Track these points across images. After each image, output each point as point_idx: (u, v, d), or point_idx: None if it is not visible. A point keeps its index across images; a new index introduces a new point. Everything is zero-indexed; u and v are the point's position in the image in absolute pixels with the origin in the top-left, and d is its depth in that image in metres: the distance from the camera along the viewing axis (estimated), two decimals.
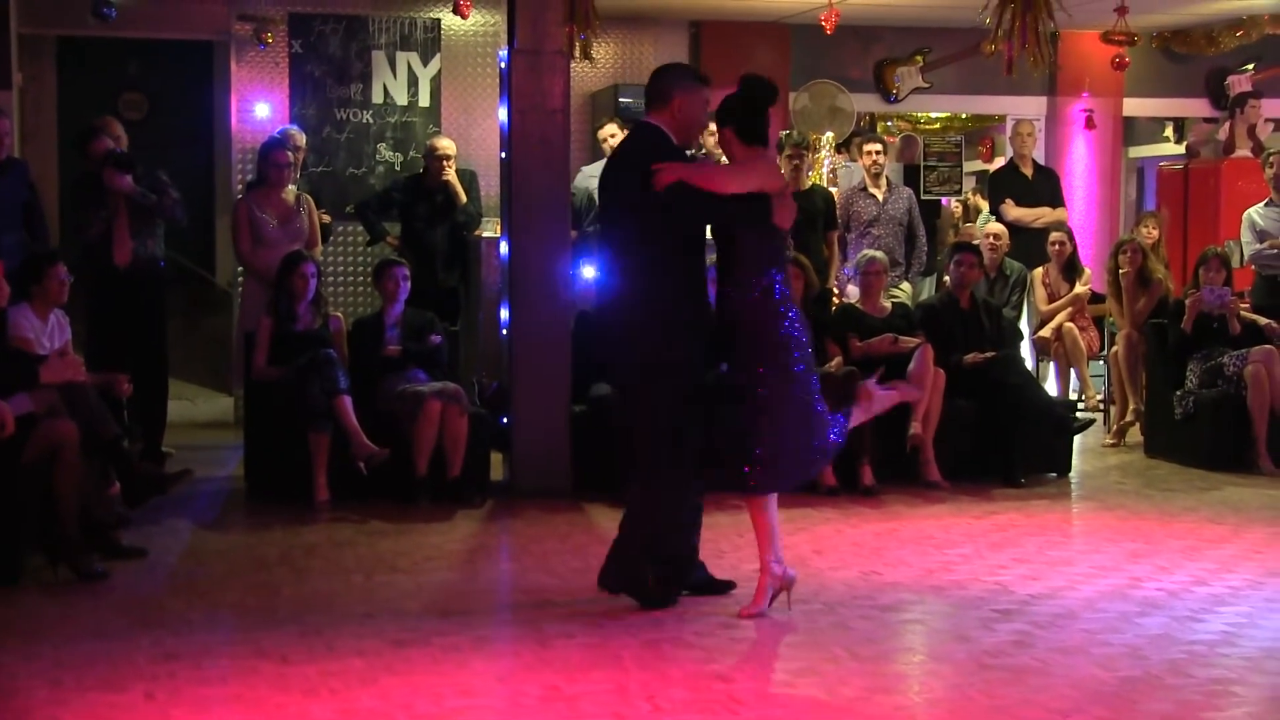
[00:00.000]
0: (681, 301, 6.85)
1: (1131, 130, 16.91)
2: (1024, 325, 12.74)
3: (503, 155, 10.26)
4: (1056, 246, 12.92)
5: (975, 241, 12.54)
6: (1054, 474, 10.75)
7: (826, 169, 13.35)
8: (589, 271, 11.43)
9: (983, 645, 6.43)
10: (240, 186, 12.48)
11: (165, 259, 10.93)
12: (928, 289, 13.45)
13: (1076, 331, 12.70)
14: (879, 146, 13.06)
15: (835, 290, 12.04)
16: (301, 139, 12.28)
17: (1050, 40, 11.37)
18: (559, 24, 10.20)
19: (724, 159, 7.19)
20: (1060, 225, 13.32)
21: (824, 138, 13.30)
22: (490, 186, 12.49)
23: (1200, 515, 9.38)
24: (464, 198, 12.02)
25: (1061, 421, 10.90)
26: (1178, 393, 11.28)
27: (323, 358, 9.56)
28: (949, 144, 15.06)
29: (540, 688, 5.78)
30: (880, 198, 12.83)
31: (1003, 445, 10.44)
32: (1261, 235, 12.48)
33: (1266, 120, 15.06)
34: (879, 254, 11.21)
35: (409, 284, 10.24)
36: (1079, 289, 12.90)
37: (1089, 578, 7.67)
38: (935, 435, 10.31)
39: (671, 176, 6.68)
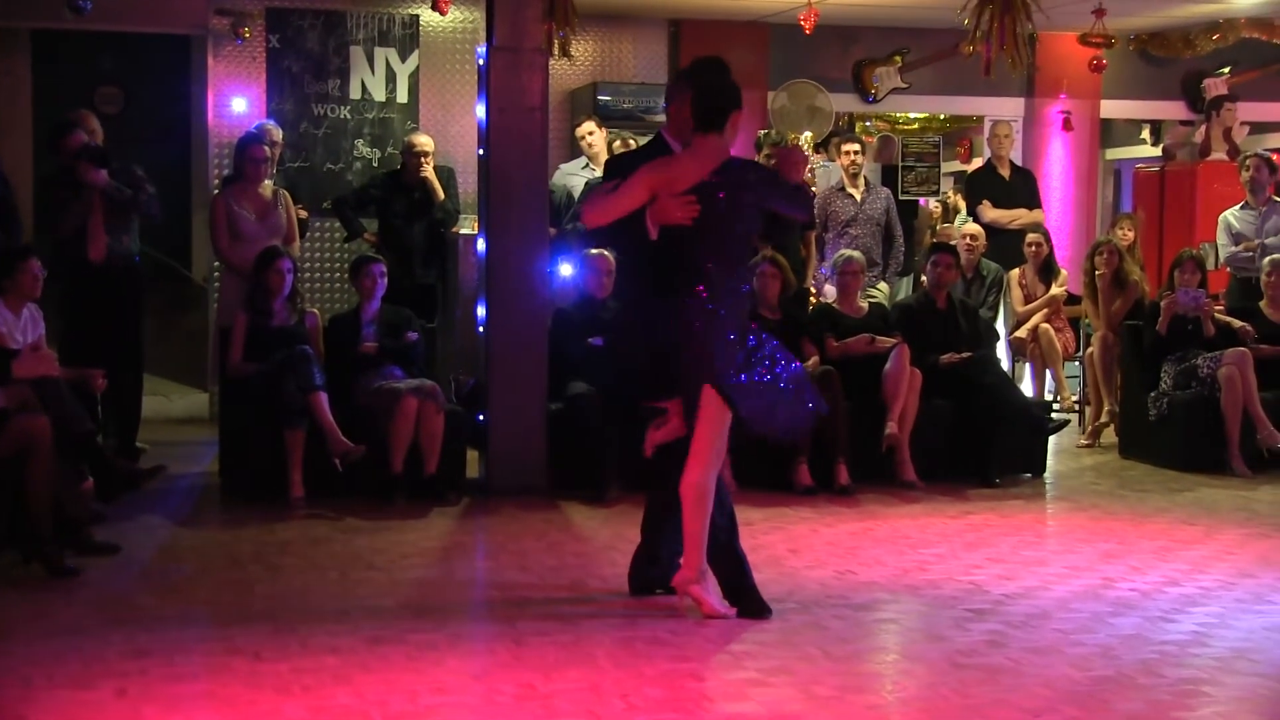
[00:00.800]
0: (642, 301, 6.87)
1: (1108, 132, 16.94)
2: (1000, 326, 12.76)
3: (481, 152, 10.25)
4: (1033, 248, 12.96)
5: (953, 242, 12.57)
6: (1029, 474, 10.78)
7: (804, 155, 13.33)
8: (566, 269, 11.44)
9: (956, 645, 6.44)
10: (216, 182, 12.45)
11: (140, 254, 10.90)
12: (905, 289, 13.47)
13: (1052, 332, 12.74)
14: (857, 146, 13.08)
15: (812, 290, 12.05)
16: (279, 134, 12.25)
17: (1028, 42, 11.41)
18: (538, 21, 10.18)
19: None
20: (1038, 227, 13.35)
21: (802, 137, 13.30)
22: (468, 184, 12.48)
23: (1173, 516, 9.41)
24: (442, 195, 12.00)
25: (1037, 422, 10.93)
26: (1152, 394, 11.31)
27: (299, 354, 9.54)
28: (927, 144, 15.09)
29: (515, 685, 5.77)
30: (858, 198, 12.84)
31: (978, 445, 10.46)
32: (1237, 238, 12.52)
33: (1242, 123, 15.10)
34: (856, 254, 11.23)
35: (386, 281, 10.22)
36: (1055, 290, 12.94)
37: (1062, 578, 7.69)
38: (911, 435, 10.32)
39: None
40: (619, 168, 7.19)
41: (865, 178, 13.09)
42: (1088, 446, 12.09)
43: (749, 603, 6.85)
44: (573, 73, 13.63)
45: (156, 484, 9.05)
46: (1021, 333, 12.85)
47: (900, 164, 14.86)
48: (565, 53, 12.10)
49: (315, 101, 13.13)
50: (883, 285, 12.77)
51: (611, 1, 13.24)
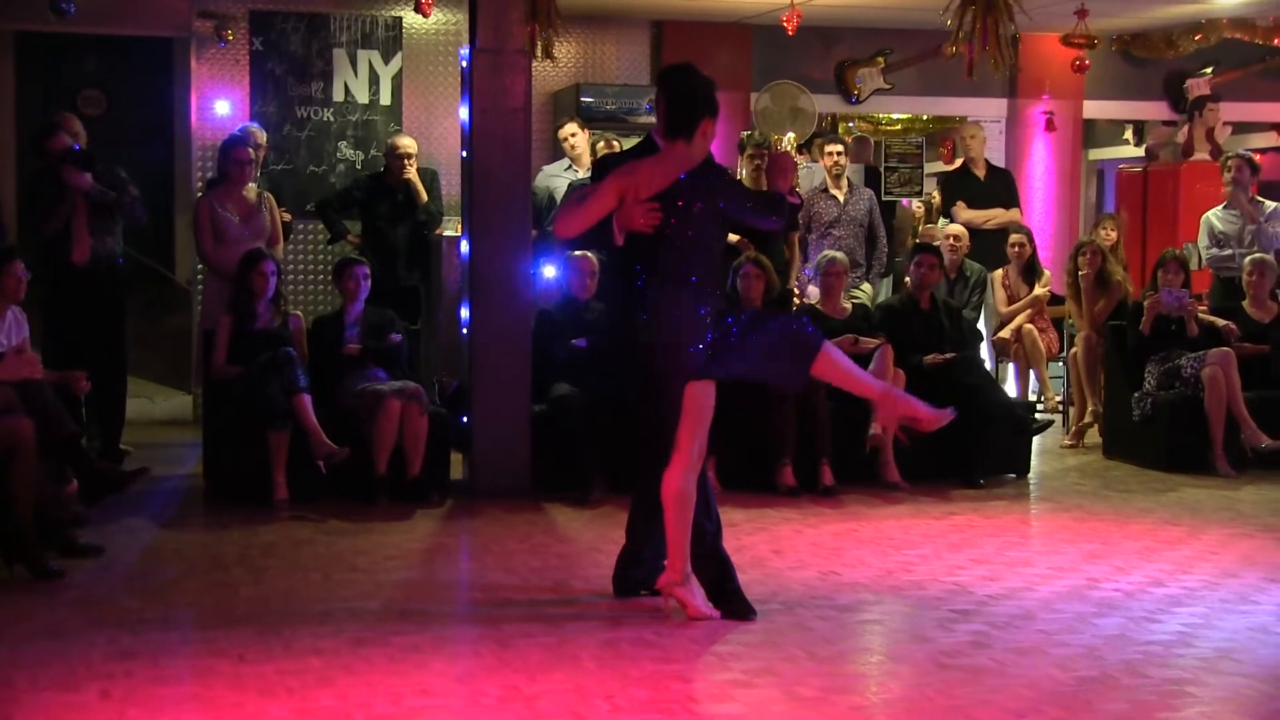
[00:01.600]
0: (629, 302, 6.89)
1: (1091, 132, 16.99)
2: (982, 326, 12.78)
3: (464, 154, 10.25)
4: (1016, 248, 12.98)
5: (936, 243, 12.58)
6: (1013, 475, 10.79)
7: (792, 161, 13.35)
8: (550, 271, 11.44)
9: (940, 645, 6.44)
10: (200, 184, 12.43)
11: (124, 256, 10.88)
12: (885, 290, 13.47)
13: (1036, 333, 12.76)
14: (840, 148, 13.08)
15: (796, 291, 12.04)
16: (263, 136, 12.24)
17: (1011, 43, 11.42)
18: (521, 23, 10.17)
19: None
20: (1020, 227, 13.36)
21: (785, 138, 13.31)
22: (451, 185, 12.48)
23: (1157, 516, 9.43)
24: (425, 196, 12.00)
25: (1020, 423, 10.95)
26: (1136, 394, 11.33)
27: (282, 356, 9.53)
28: (910, 145, 15.10)
29: (499, 687, 5.77)
30: (841, 199, 12.85)
31: (962, 446, 10.45)
32: (1219, 238, 12.56)
33: (1225, 123, 15.14)
34: (839, 255, 11.24)
35: (369, 283, 10.22)
36: (1038, 291, 12.96)
37: (1046, 578, 7.69)
38: (894, 436, 10.33)
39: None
40: (606, 170, 7.19)
41: (848, 179, 13.09)
42: (1071, 447, 12.11)
43: (734, 605, 6.84)
44: (555, 74, 13.63)
45: (140, 486, 9.02)
46: (1005, 333, 12.87)
47: (883, 165, 14.87)
48: (548, 54, 12.09)
49: (298, 104, 13.12)
50: (866, 286, 12.77)
51: (594, 3, 13.24)
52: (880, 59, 14.75)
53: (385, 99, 13.32)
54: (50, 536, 7.75)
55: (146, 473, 9.09)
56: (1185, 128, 15.00)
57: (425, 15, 12.67)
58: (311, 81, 13.12)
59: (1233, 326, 11.45)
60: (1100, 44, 13.90)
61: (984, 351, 12.55)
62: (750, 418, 9.69)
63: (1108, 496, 10.18)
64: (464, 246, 10.20)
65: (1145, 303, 11.43)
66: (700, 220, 6.71)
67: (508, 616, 6.86)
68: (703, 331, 6.63)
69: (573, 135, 12.30)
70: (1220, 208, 12.70)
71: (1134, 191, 15.31)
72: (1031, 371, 12.88)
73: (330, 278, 11.26)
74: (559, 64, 13.34)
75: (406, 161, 11.90)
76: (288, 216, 12.02)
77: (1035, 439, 11.18)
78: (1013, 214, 13.69)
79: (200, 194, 11.72)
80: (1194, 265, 12.52)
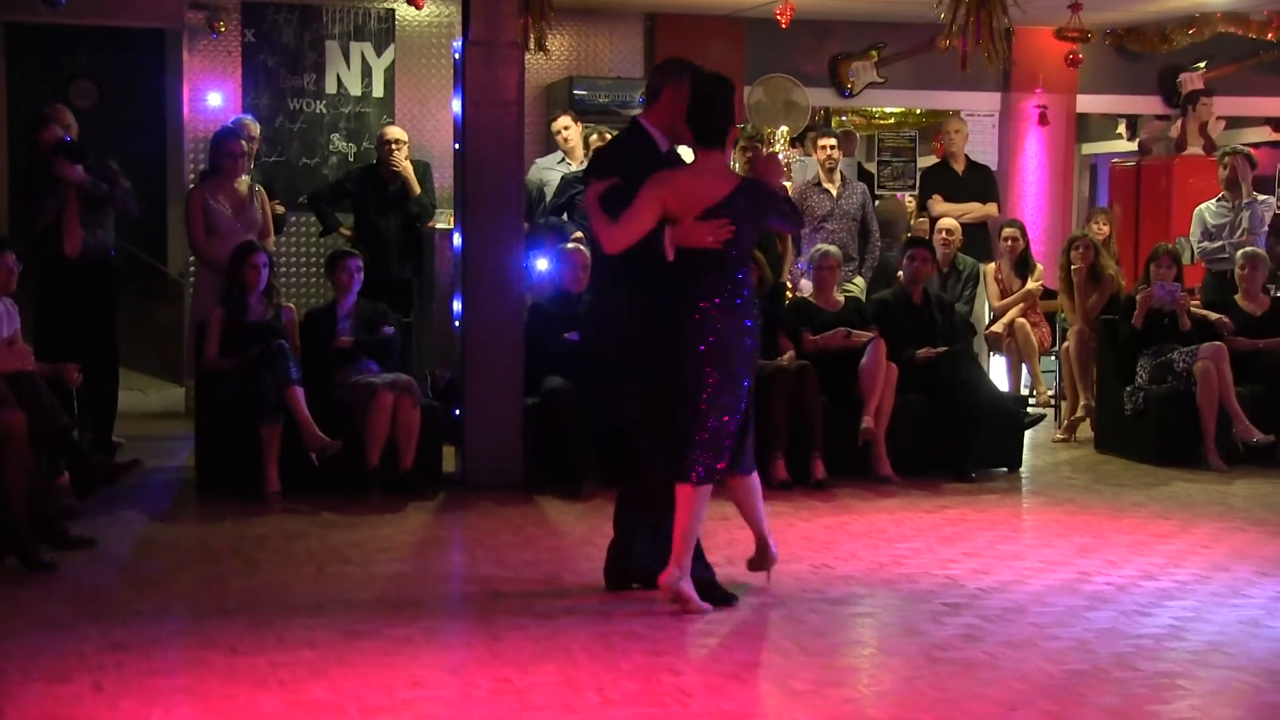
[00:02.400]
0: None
1: (1085, 126, 16.99)
2: (979, 318, 12.79)
3: (456, 147, 10.24)
4: (1009, 242, 12.98)
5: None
6: (1005, 469, 10.79)
7: (780, 163, 13.35)
8: (542, 264, 11.43)
9: (932, 639, 6.45)
10: (192, 176, 12.42)
11: (116, 248, 10.87)
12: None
13: (1028, 327, 12.77)
14: (833, 141, 13.07)
15: (789, 284, 12.05)
16: (255, 129, 12.23)
17: (1004, 36, 11.44)
18: (513, 15, 10.18)
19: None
20: (1013, 221, 13.37)
21: (778, 132, 13.31)
22: (444, 178, 12.46)
23: (1149, 510, 9.44)
24: (418, 189, 11.99)
25: (1012, 417, 10.95)
26: (1128, 388, 11.34)
27: (275, 349, 9.52)
28: (903, 140, 15.10)
29: (491, 680, 5.77)
30: (834, 192, 12.85)
31: (954, 440, 10.47)
32: (1211, 231, 12.57)
33: (1218, 118, 15.16)
34: (832, 248, 11.23)
35: (362, 275, 10.21)
36: (1031, 285, 12.96)
37: (1038, 572, 7.70)
38: (887, 429, 10.33)
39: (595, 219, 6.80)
40: (602, 163, 7.19)
41: (841, 173, 13.10)
42: (1063, 441, 12.13)
43: (717, 595, 6.89)
44: (548, 67, 13.63)
45: (132, 479, 9.01)
46: (998, 327, 12.88)
47: (876, 159, 14.87)
48: (541, 47, 12.10)
49: (291, 96, 13.12)
50: (859, 280, 12.77)
51: None
52: (874, 53, 14.76)
53: (378, 91, 13.31)
54: (42, 529, 7.74)
55: (139, 465, 9.08)
56: (1178, 122, 15.01)
57: (418, 7, 12.68)
58: (304, 73, 13.12)
59: (1226, 320, 11.46)
60: (1094, 38, 13.91)
61: (980, 345, 12.58)
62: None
63: (1099, 490, 10.19)
64: (456, 239, 10.19)
65: (1137, 297, 11.44)
66: (751, 235, 6.88)
67: (500, 609, 6.86)
68: (748, 339, 6.78)
69: (566, 128, 12.30)
70: (1213, 201, 12.72)
71: (1127, 186, 15.34)
72: (1024, 365, 12.88)
73: (322, 270, 11.25)
74: (552, 57, 13.34)
75: (394, 147, 11.88)
76: (281, 209, 12.01)
77: (1027, 433, 11.18)
78: (989, 209, 13.70)
79: (193, 186, 11.71)
80: (1186, 259, 12.53)
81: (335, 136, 13.18)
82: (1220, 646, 6.37)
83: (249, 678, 5.76)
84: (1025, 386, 12.98)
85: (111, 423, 10.76)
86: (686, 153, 7.11)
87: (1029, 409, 11.76)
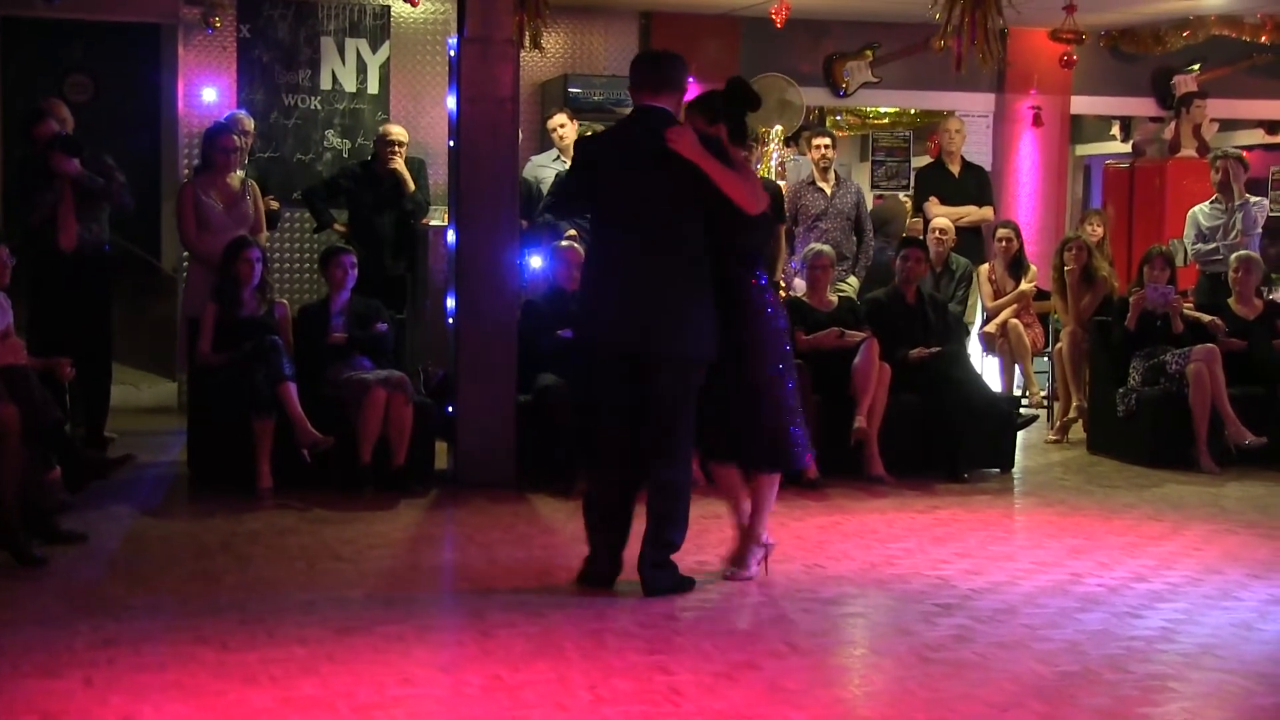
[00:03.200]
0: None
1: (1078, 128, 17.00)
2: (974, 317, 12.80)
3: (451, 144, 10.24)
4: (1003, 243, 12.98)
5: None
6: (997, 469, 10.80)
7: (775, 162, 13.36)
8: (536, 261, 11.43)
9: (924, 639, 6.45)
10: (187, 171, 12.41)
11: (110, 243, 10.86)
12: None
13: (1021, 328, 12.77)
14: (828, 140, 13.08)
15: (782, 284, 12.05)
16: (250, 124, 12.21)
17: (999, 37, 11.44)
18: (509, 13, 10.17)
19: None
20: (1006, 222, 13.37)
21: (773, 131, 13.31)
22: (438, 175, 12.47)
23: (1141, 512, 9.45)
24: (412, 186, 11.99)
25: (1005, 417, 10.96)
26: (1120, 390, 11.35)
27: (268, 344, 9.52)
28: (898, 139, 15.10)
29: (483, 677, 5.77)
30: (828, 192, 12.86)
31: (947, 440, 10.48)
32: (1204, 233, 12.58)
33: (1211, 120, 15.18)
34: (826, 248, 11.23)
35: (356, 271, 10.20)
36: (1024, 286, 12.96)
37: (1030, 573, 7.71)
38: (880, 429, 10.34)
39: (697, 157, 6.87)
40: (584, 152, 7.44)
41: (835, 172, 13.11)
42: (1056, 442, 12.13)
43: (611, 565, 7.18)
44: (544, 64, 13.62)
45: (124, 473, 9.01)
46: (990, 328, 12.88)
47: (871, 158, 14.87)
48: (536, 44, 12.10)
49: (286, 92, 13.10)
50: (852, 279, 12.78)
51: None
52: (869, 52, 14.76)
53: (373, 87, 13.30)
54: (34, 523, 7.74)
55: (131, 460, 9.07)
56: (1172, 124, 15.03)
57: (413, 4, 12.68)
58: (299, 69, 13.10)
59: (1218, 321, 11.47)
60: (1088, 39, 13.91)
61: (974, 345, 12.59)
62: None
63: (1092, 492, 10.20)
64: (450, 236, 10.19)
65: (1131, 298, 11.45)
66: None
67: (491, 606, 6.85)
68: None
69: (561, 126, 12.31)
70: (1206, 203, 12.73)
71: (1120, 187, 15.35)
72: (1017, 366, 12.89)
73: (316, 266, 11.24)
74: (547, 54, 13.34)
75: (394, 149, 11.90)
76: (275, 204, 12.00)
77: (1020, 434, 11.19)
78: (985, 212, 13.70)
79: (185, 181, 11.69)
80: (1180, 261, 12.55)
81: (330, 133, 13.17)
82: (1211, 649, 6.38)
83: (240, 674, 5.75)
84: (1018, 387, 12.98)
85: (104, 417, 10.75)
86: None
87: (1021, 410, 11.77)
